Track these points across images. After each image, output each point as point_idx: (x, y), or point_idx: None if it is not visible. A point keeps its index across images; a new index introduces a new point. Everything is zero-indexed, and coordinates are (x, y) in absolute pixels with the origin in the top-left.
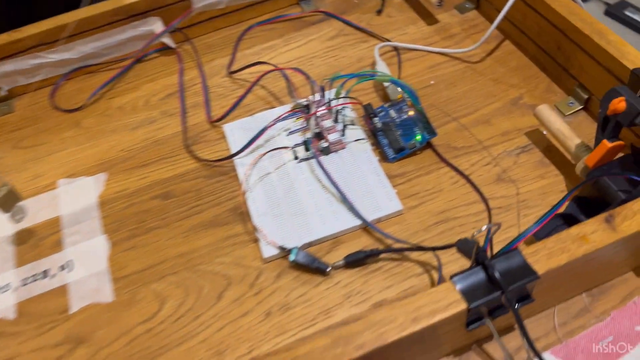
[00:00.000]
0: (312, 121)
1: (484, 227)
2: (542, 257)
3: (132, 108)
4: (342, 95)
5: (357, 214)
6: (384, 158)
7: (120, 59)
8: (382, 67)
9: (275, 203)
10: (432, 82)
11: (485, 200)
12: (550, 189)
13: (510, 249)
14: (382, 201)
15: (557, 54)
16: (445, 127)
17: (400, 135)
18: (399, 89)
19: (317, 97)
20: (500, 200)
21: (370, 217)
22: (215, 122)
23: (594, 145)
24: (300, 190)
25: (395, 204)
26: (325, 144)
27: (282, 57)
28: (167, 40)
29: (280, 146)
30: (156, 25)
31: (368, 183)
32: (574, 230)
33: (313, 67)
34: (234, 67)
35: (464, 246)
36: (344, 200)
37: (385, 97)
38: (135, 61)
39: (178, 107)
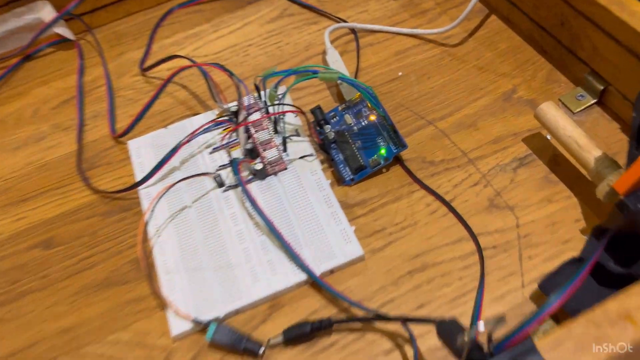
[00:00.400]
0: (242, 134)
1: (479, 326)
2: (566, 353)
3: (16, 121)
4: (277, 99)
5: (302, 265)
6: (338, 180)
7: (2, 58)
8: (333, 58)
9: (191, 252)
10: (400, 73)
11: (474, 237)
12: (560, 218)
13: (516, 338)
14: (336, 244)
15: (561, 32)
16: (419, 135)
17: (360, 149)
18: None
19: (251, 100)
20: (495, 236)
21: (320, 268)
22: (120, 137)
23: (626, 162)
24: (226, 233)
25: (354, 247)
26: (259, 165)
27: (210, 47)
28: (63, 31)
29: (201, 172)
30: (45, 12)
31: (317, 218)
32: (612, 305)
33: (249, 59)
34: (149, 63)
35: (446, 332)
36: (284, 245)
37: (340, 97)
38: (22, 59)
39: (75, 118)
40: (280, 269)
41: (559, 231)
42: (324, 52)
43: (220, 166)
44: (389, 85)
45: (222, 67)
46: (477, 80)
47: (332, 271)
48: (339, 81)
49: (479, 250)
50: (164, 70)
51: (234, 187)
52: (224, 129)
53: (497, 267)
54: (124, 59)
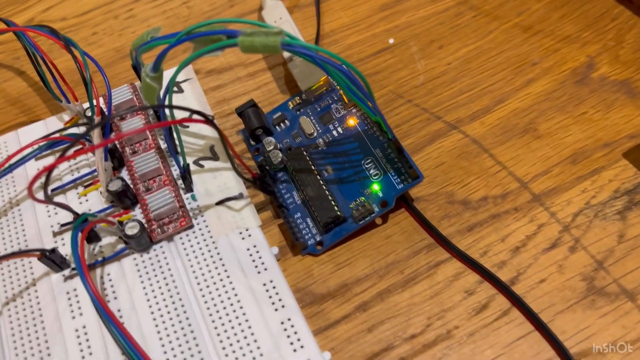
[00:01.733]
0: (101, 161)
1: None
2: None
3: None
4: (161, 92)
5: None
6: (293, 246)
7: None
8: (276, 15)
9: None
10: (391, 40)
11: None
12: None
13: None
14: None
15: None
16: (436, 150)
17: (333, 183)
18: (319, 69)
19: (125, 95)
20: (608, 357)
21: None
22: None
23: None
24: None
25: None
26: (133, 227)
27: (70, 5)
28: None
29: (24, 243)
30: None
31: (252, 334)
32: None
33: (134, 23)
34: None
35: None
36: None
37: (290, 84)
38: None
39: None
40: None
41: None
42: (260, 9)
43: (62, 225)
44: (374, 62)
45: (53, 34)
46: (524, 49)
47: None
48: (284, 53)
49: None
50: None
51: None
52: (76, 151)
53: None
54: None
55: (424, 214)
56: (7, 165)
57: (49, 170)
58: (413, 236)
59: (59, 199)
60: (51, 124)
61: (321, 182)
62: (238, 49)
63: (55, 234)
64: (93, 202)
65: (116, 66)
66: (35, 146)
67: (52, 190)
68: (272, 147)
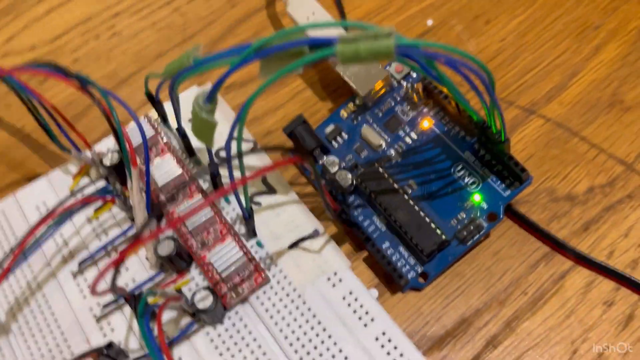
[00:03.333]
0: (141, 213)
1: None
2: None
3: None
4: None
5: None
6: (389, 282)
7: None
8: (303, 10)
9: None
10: (429, 22)
11: None
12: None
13: None
14: None
15: None
16: (519, 140)
17: (422, 200)
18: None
19: (147, 129)
20: None
21: None
22: None
23: None
24: None
25: None
26: (205, 300)
27: (37, 31)
28: None
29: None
30: None
31: None
32: None
33: (120, 42)
34: None
35: None
36: None
37: (329, 88)
38: None
39: None
40: None
41: None
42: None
43: (105, 307)
44: None
45: (58, 70)
46: (579, 12)
47: None
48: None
49: None
50: None
51: None
52: (97, 210)
53: None
54: None
55: (531, 220)
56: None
57: (117, 264)
58: (524, 247)
59: (90, 272)
60: (57, 180)
61: (411, 203)
62: (338, 59)
63: (98, 319)
64: (135, 270)
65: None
66: (52, 221)
67: (80, 263)
68: (336, 169)
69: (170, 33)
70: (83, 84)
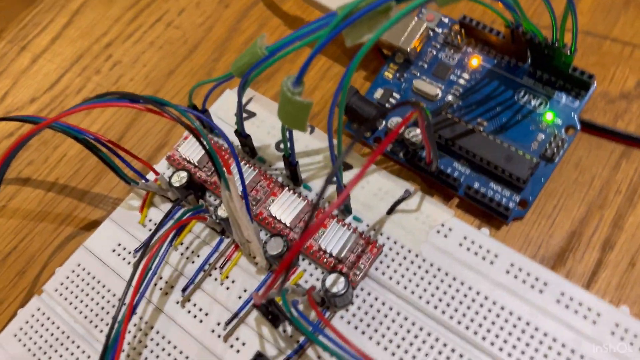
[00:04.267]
0: (249, 227)
1: None
2: None
3: None
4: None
5: None
6: (489, 220)
7: None
8: None
9: None
10: None
11: None
12: None
13: None
14: None
15: None
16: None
17: (501, 136)
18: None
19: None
20: None
21: None
22: None
23: None
24: None
25: None
26: (339, 283)
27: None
28: None
29: None
30: None
31: (535, 324)
32: None
33: (124, 71)
34: None
35: None
36: None
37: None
38: None
39: None
40: None
41: None
42: None
43: (228, 324)
44: None
45: (123, 98)
46: None
47: None
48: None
49: None
50: None
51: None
52: (178, 234)
53: None
54: None
55: (598, 124)
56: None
57: (287, 264)
58: (601, 152)
59: (196, 296)
60: (121, 219)
61: (491, 138)
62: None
63: (226, 338)
64: (242, 281)
65: (138, 127)
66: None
67: (183, 290)
68: (404, 128)
69: (173, 48)
70: (158, 105)
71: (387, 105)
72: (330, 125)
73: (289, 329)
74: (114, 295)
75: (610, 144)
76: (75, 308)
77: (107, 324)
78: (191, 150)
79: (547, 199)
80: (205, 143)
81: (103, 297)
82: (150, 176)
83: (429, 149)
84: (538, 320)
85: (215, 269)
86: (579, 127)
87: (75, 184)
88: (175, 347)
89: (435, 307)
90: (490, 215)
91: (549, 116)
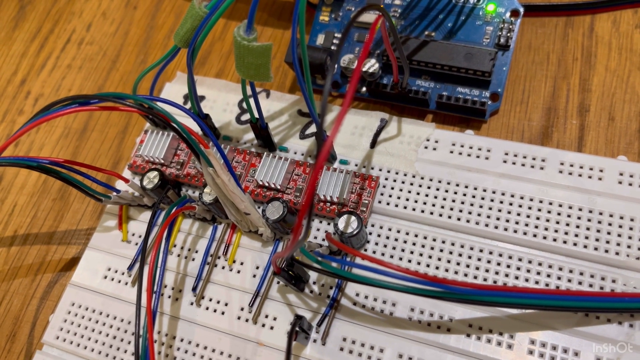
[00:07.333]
0: (243, 198)
1: None
2: None
3: None
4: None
5: None
6: (466, 121)
7: None
8: None
9: None
10: None
11: None
12: None
13: None
14: None
15: None
16: None
17: (452, 39)
18: None
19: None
20: None
21: None
22: None
23: None
24: None
25: None
26: (352, 222)
27: None
28: None
29: None
30: None
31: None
32: None
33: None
34: None
35: None
36: None
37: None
38: None
39: None
40: None
41: None
42: None
43: (251, 305)
44: None
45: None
46: None
47: None
48: None
49: None
50: None
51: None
52: (169, 234)
53: None
54: None
55: None
56: None
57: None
58: (547, 28)
59: (211, 291)
60: (103, 243)
61: (446, 44)
62: None
63: (255, 319)
64: (252, 257)
65: (87, 147)
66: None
67: (193, 289)
68: (348, 61)
69: (93, 64)
70: (116, 100)
71: (332, 48)
72: (300, 79)
73: (315, 287)
74: (121, 320)
75: (552, 20)
76: (85, 348)
77: (121, 349)
78: (152, 149)
79: (514, 86)
80: (176, 125)
81: (111, 326)
82: (120, 186)
83: (396, 64)
84: (549, 194)
85: (219, 257)
86: (521, 9)
87: (37, 230)
88: (205, 348)
89: (450, 217)
90: (468, 119)
91: (490, 7)
